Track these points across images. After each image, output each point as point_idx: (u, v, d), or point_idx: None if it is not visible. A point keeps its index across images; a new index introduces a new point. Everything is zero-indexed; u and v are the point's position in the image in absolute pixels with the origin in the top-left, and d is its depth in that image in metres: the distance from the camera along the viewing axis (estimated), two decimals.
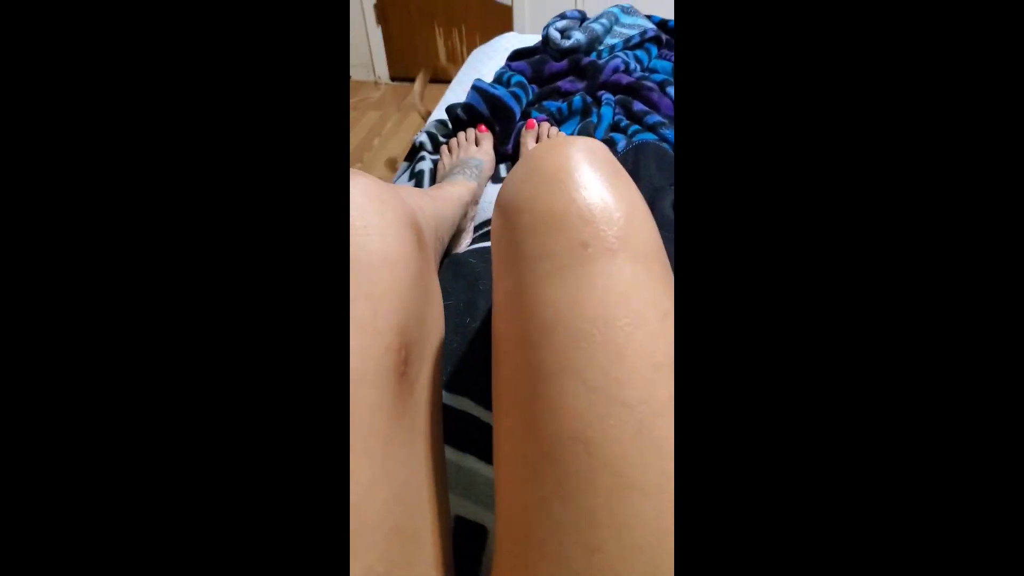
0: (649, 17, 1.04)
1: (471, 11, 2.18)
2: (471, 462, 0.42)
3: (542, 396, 0.25)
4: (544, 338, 0.25)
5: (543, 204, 0.28)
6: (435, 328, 0.35)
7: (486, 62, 1.02)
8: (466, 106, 0.81)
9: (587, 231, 0.27)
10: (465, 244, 0.70)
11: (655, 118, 0.70)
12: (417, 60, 2.35)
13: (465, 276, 0.56)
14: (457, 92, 0.96)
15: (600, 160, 0.30)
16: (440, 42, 2.31)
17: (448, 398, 0.46)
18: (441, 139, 0.81)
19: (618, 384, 0.23)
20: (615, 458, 0.22)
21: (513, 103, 0.79)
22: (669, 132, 0.66)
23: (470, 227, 0.71)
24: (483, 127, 0.80)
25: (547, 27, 0.96)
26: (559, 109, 0.81)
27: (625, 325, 0.25)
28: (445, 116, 0.85)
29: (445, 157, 0.79)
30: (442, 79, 2.28)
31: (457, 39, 2.28)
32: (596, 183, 0.28)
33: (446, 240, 0.59)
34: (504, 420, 0.28)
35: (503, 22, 2.18)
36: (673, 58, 0.89)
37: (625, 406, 0.23)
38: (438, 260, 0.54)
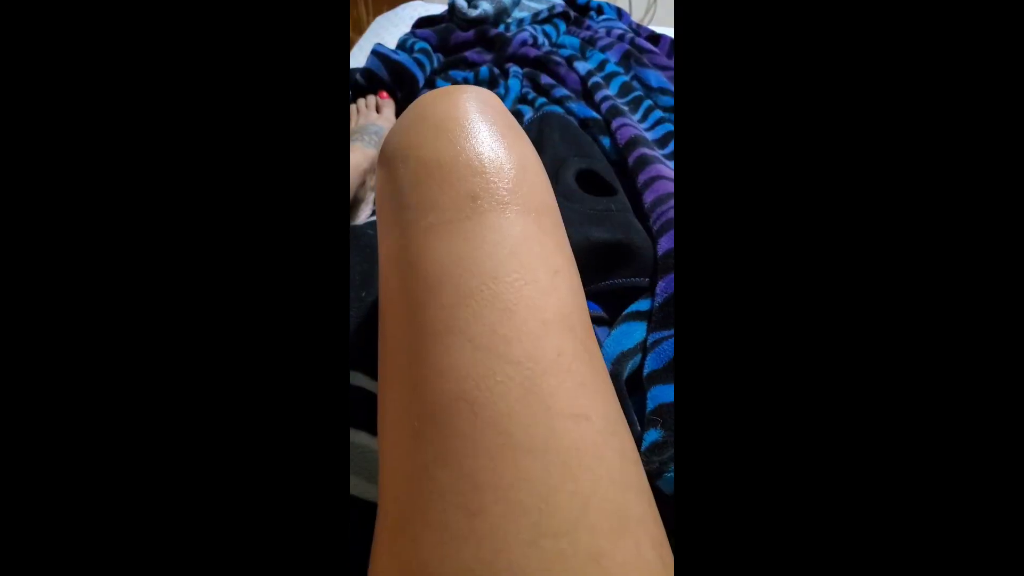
0: None
1: None
2: (363, 438, 0.40)
3: (427, 357, 0.24)
4: (430, 297, 0.24)
5: (429, 153, 0.27)
6: None
7: (389, 29, 0.98)
8: (366, 71, 0.76)
9: (476, 182, 0.26)
10: (365, 216, 0.66)
11: (562, 91, 0.69)
12: None
13: (363, 248, 0.53)
14: (358, 59, 0.91)
15: (492, 109, 0.28)
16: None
17: (373, 385, 0.43)
18: None
19: (505, 342, 0.23)
20: (501, 417, 0.21)
21: (416, 69, 0.76)
22: (575, 105, 0.65)
23: (370, 197, 0.68)
24: (384, 93, 0.76)
25: None
26: (465, 79, 0.78)
27: (514, 281, 0.24)
28: None
29: None
30: None
31: (363, 8, 2.19)
32: (487, 132, 0.27)
33: None
34: (388, 386, 0.26)
35: None
36: (581, 35, 0.89)
37: (512, 363, 0.22)
38: None
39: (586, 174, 0.54)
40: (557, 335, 0.23)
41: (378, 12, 2.16)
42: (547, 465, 0.21)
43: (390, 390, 0.26)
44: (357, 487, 0.38)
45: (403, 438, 0.24)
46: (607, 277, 0.46)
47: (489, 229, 0.25)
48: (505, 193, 0.26)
